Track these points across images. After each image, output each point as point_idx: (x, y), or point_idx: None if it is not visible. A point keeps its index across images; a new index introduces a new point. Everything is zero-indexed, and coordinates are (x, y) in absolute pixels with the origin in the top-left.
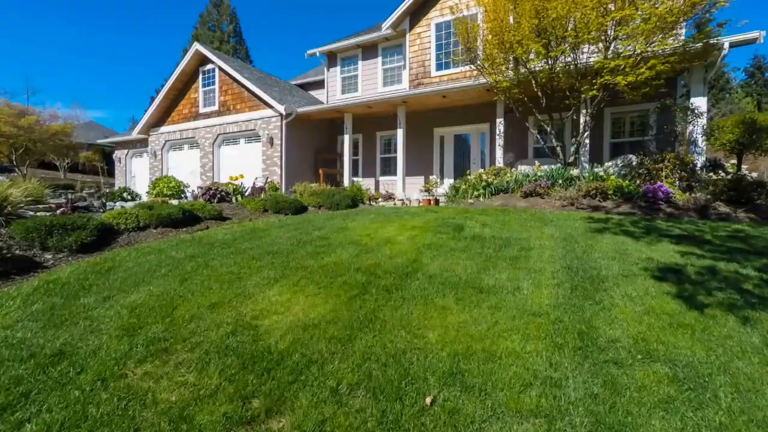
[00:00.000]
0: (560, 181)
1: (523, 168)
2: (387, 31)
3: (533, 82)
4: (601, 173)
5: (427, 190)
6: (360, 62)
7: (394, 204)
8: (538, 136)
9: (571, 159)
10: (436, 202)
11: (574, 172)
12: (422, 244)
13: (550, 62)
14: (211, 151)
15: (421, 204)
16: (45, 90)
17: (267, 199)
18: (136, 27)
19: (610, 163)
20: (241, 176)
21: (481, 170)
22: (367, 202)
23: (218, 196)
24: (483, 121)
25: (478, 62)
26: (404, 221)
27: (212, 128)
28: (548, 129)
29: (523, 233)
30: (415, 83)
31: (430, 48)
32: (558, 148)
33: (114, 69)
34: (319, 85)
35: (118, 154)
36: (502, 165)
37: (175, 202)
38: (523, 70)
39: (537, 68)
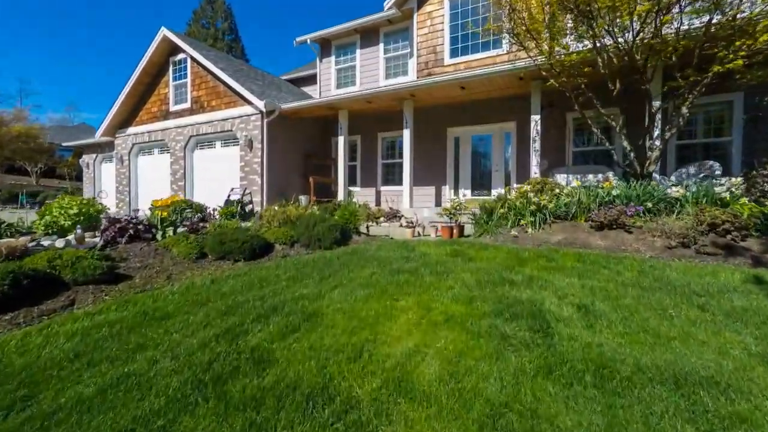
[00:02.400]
0: (649, 205)
1: (561, 178)
2: (390, 11)
3: (600, 60)
4: (723, 193)
5: (448, 213)
6: (358, 50)
7: (401, 226)
8: (600, 136)
9: (650, 169)
10: (460, 230)
11: (675, 191)
12: (491, 414)
13: (653, 19)
14: (183, 155)
15: (439, 233)
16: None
17: (211, 234)
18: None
19: (682, 172)
20: (175, 198)
21: (526, 186)
22: (365, 225)
23: (130, 231)
24: (508, 118)
25: (520, 31)
26: (426, 291)
27: (184, 129)
28: (617, 127)
29: (695, 348)
30: (424, 73)
31: (443, 30)
32: (631, 154)
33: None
34: (314, 80)
35: (86, 158)
36: (538, 174)
37: (60, 243)
38: (583, 45)
39: (620, 39)
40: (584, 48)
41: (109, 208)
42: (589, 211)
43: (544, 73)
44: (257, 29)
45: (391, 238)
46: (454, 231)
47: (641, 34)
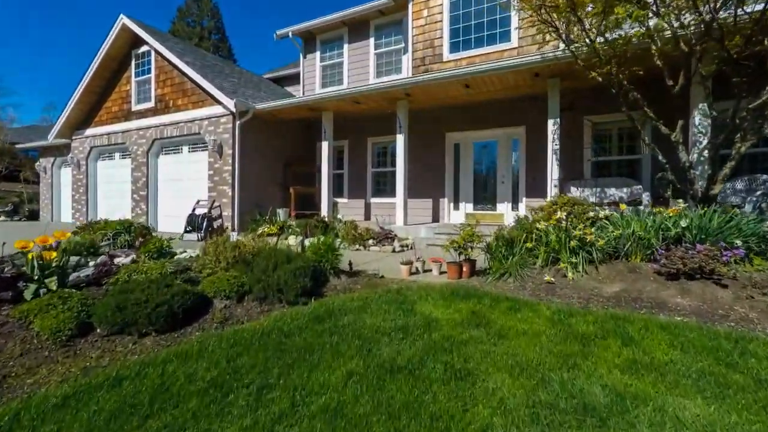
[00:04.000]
0: (738, 243)
1: (578, 192)
2: (381, 0)
3: (654, 46)
4: None
5: (457, 246)
6: (346, 45)
7: (393, 251)
8: (651, 145)
9: (716, 190)
10: (472, 266)
11: None
12: None
13: None
14: (145, 161)
15: (443, 269)
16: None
17: (115, 288)
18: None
19: (726, 188)
20: (64, 234)
21: (560, 213)
22: (350, 251)
23: None
24: (516, 122)
25: (560, 2)
26: None
27: (146, 131)
28: (674, 134)
29: None
30: (420, 70)
31: (442, 21)
32: (692, 170)
33: None
34: (299, 79)
35: (43, 162)
36: (557, 189)
37: None
38: (616, 32)
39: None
40: (637, 30)
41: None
42: (648, 247)
43: (579, 63)
44: (248, 30)
45: (382, 277)
46: (464, 269)
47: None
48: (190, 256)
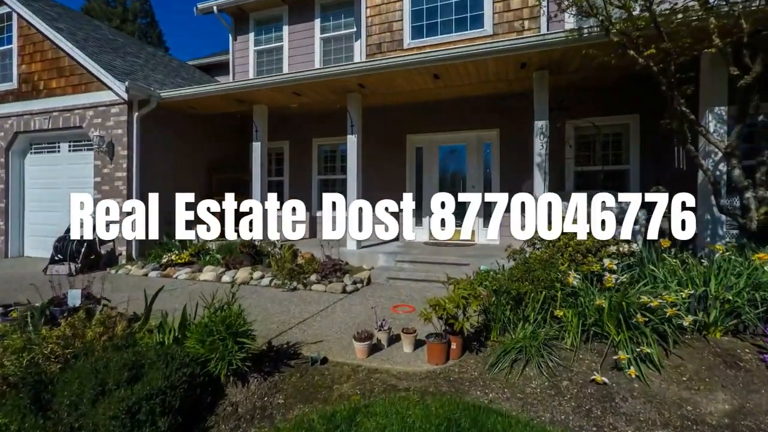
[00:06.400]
0: None
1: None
2: None
3: (712, 18)
4: None
5: (446, 317)
6: (286, 27)
7: (345, 290)
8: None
9: None
10: (462, 341)
11: None
12: None
13: None
14: (4, 162)
15: (419, 337)
16: None
17: None
18: None
19: None
20: None
21: (606, 260)
22: (282, 293)
23: None
24: (489, 125)
25: None
26: None
27: (6, 121)
28: (728, 143)
29: None
30: (376, 58)
31: (401, 1)
32: (747, 193)
33: None
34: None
35: None
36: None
37: None
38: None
39: None
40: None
41: None
42: (735, 316)
43: (615, 40)
44: (188, 19)
45: (324, 361)
46: (453, 346)
47: None
48: None
